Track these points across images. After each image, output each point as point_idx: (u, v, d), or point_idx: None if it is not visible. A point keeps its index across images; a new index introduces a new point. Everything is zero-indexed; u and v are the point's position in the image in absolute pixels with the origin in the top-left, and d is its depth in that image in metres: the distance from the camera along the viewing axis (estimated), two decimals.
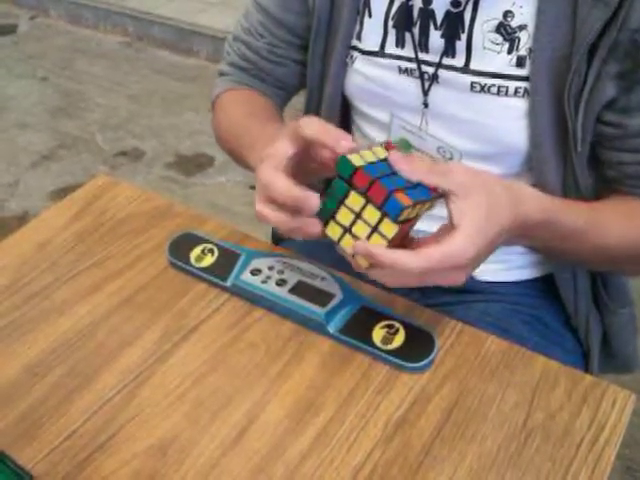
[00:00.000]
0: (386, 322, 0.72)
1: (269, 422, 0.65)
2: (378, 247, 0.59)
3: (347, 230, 0.61)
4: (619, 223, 0.76)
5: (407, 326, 0.72)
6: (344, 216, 0.61)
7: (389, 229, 0.59)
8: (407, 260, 0.58)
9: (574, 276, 0.87)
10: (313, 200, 0.60)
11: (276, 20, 0.91)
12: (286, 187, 0.61)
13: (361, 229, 0.60)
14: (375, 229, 0.59)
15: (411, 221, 0.62)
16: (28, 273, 0.82)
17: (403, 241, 0.62)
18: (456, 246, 0.59)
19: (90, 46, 3.38)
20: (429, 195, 0.60)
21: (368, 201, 0.59)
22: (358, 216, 0.60)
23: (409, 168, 0.60)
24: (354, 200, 0.60)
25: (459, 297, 0.93)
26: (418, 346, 0.70)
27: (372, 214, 0.59)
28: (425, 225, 0.68)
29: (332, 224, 0.61)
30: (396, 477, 0.61)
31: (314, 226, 0.61)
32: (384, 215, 0.59)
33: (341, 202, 0.60)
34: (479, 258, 0.61)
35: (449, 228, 0.60)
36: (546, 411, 0.66)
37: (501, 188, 0.63)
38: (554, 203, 0.71)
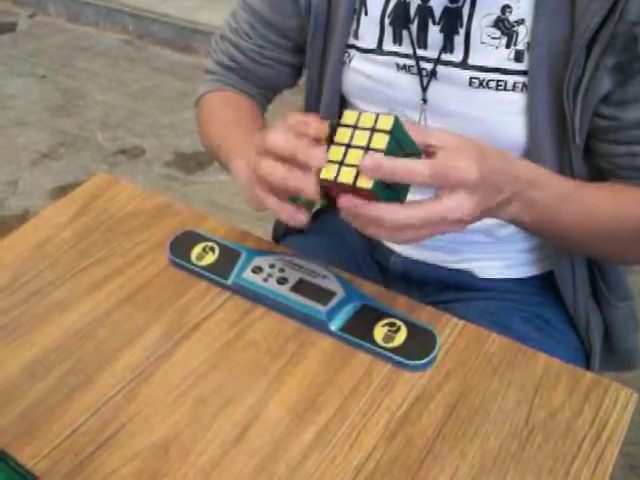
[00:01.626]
0: (387, 320, 0.72)
1: (271, 420, 0.65)
2: (383, 158, 0.58)
3: (341, 163, 0.60)
4: (611, 197, 0.76)
5: (408, 324, 0.72)
6: (334, 153, 0.61)
7: (380, 141, 0.59)
8: (417, 166, 0.58)
9: (573, 270, 0.87)
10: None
11: (265, 21, 0.90)
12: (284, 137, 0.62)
13: (355, 155, 0.60)
14: (367, 147, 0.60)
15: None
16: (28, 272, 0.82)
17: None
18: (457, 160, 0.59)
19: (90, 44, 3.38)
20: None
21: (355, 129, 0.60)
22: (348, 146, 0.60)
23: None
24: (342, 135, 0.61)
25: (460, 294, 0.93)
26: (419, 344, 0.70)
27: (361, 139, 0.60)
28: None
29: (325, 168, 0.61)
30: (398, 475, 0.61)
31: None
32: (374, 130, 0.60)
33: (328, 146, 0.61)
34: (484, 189, 0.61)
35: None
36: (548, 409, 0.65)
37: (488, 144, 0.64)
38: (539, 167, 0.71)
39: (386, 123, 0.59)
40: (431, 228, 0.61)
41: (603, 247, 0.84)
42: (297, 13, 0.87)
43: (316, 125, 0.62)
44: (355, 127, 0.60)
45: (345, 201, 0.60)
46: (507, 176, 0.65)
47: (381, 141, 0.59)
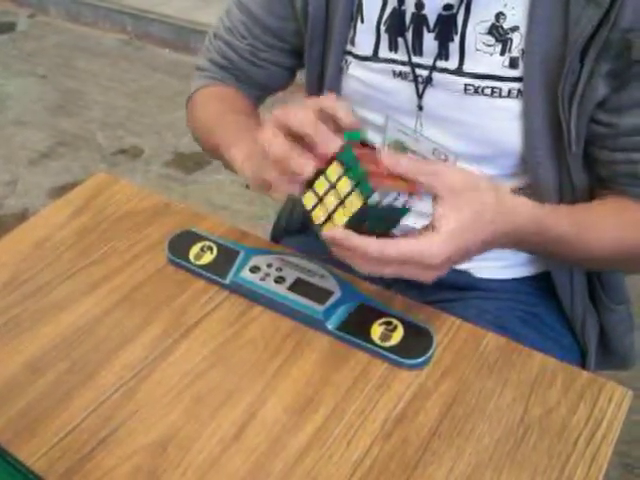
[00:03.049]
0: (384, 319, 0.72)
1: (268, 418, 0.66)
2: (341, 232, 0.61)
3: (320, 200, 0.63)
4: (609, 224, 0.77)
5: (405, 323, 0.72)
6: (319, 185, 0.63)
7: (355, 204, 0.61)
8: (368, 244, 0.60)
9: (570, 274, 0.87)
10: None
11: (259, 23, 0.90)
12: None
13: (331, 200, 0.62)
14: (342, 202, 0.62)
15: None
16: (27, 270, 0.82)
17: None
18: (428, 246, 0.61)
19: (89, 44, 3.38)
20: (400, 211, 0.64)
21: (345, 173, 0.62)
22: (333, 186, 0.63)
23: (399, 167, 0.62)
24: (332, 171, 0.63)
25: (457, 294, 0.93)
26: (416, 343, 0.70)
27: (344, 185, 0.62)
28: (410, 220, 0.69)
29: (306, 195, 0.64)
30: (394, 473, 0.61)
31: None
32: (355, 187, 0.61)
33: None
34: (450, 262, 0.63)
35: (429, 228, 0.62)
36: (543, 407, 0.66)
37: (492, 198, 0.65)
38: (544, 211, 0.72)
39: (366, 188, 0.61)
40: (397, 269, 0.63)
41: (601, 267, 0.85)
42: (293, 17, 0.87)
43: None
44: (346, 170, 0.62)
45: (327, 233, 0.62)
46: (500, 234, 0.66)
47: (355, 203, 0.61)
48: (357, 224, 0.61)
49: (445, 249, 0.61)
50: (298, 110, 0.64)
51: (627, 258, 0.79)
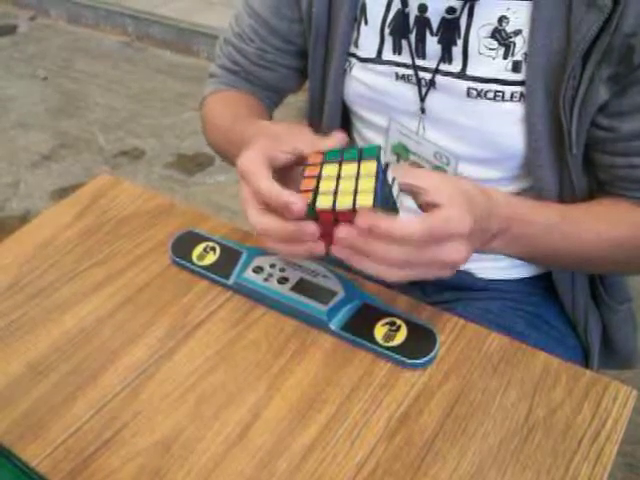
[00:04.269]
0: (388, 319, 0.72)
1: (272, 418, 0.66)
2: (377, 217, 0.57)
3: (335, 193, 0.61)
4: (599, 222, 0.76)
5: (409, 323, 0.72)
6: (326, 185, 0.62)
7: (370, 168, 0.61)
8: (407, 224, 0.57)
9: (572, 274, 0.88)
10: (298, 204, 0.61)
11: (268, 26, 0.91)
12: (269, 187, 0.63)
13: (347, 183, 0.61)
14: (357, 175, 0.61)
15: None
16: (31, 272, 0.82)
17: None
18: (453, 213, 0.59)
19: (90, 46, 3.39)
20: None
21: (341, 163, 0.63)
22: (338, 177, 0.62)
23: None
24: (329, 169, 0.63)
25: (459, 295, 0.93)
26: (420, 343, 0.70)
27: (350, 169, 0.62)
28: None
29: (319, 199, 0.61)
30: (399, 472, 0.61)
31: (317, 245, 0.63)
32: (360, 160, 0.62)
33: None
34: (475, 234, 0.62)
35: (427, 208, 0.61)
36: (547, 407, 0.66)
37: (471, 185, 0.65)
38: (521, 201, 0.73)
39: (371, 149, 0.61)
40: (422, 267, 0.61)
41: (597, 268, 0.85)
42: (299, 19, 0.88)
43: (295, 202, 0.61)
44: (341, 161, 0.62)
45: (342, 231, 0.59)
46: (493, 218, 0.66)
47: (371, 167, 0.60)
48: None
49: (468, 213, 0.60)
50: (259, 182, 0.64)
51: (618, 258, 0.79)
